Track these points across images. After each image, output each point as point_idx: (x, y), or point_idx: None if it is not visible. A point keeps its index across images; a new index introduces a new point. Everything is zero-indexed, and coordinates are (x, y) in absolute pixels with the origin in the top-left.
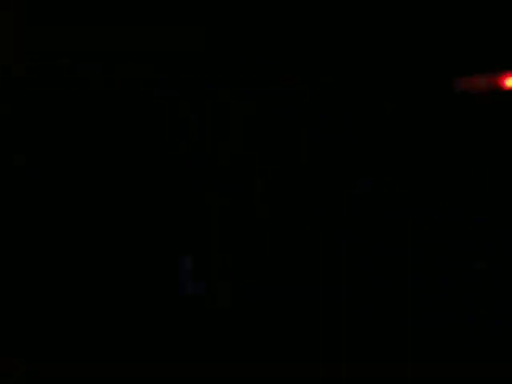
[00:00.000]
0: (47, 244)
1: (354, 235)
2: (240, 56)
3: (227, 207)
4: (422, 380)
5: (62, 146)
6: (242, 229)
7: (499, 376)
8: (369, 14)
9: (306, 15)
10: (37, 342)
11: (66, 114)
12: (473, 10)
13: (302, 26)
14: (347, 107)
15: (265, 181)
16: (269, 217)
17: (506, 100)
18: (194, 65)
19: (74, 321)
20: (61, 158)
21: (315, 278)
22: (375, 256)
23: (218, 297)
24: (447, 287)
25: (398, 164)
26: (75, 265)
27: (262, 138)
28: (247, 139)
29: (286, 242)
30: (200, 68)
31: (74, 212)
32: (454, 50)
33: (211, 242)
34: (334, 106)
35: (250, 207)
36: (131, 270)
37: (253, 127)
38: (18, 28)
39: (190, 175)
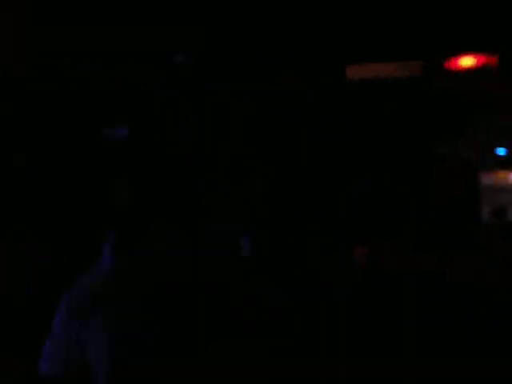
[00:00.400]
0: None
1: (354, 235)
2: (240, 56)
3: (227, 207)
4: (422, 380)
5: (62, 145)
6: (241, 229)
7: (499, 376)
8: None
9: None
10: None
11: (65, 113)
12: None
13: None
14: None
15: (265, 181)
16: (269, 217)
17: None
18: (194, 65)
19: None
20: (61, 158)
21: (315, 278)
22: (375, 255)
23: None
24: (447, 287)
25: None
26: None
27: (262, 138)
28: (247, 139)
29: (286, 241)
30: (200, 68)
31: (73, 213)
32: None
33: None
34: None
35: (250, 207)
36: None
37: (253, 127)
38: (17, 28)
39: (190, 175)
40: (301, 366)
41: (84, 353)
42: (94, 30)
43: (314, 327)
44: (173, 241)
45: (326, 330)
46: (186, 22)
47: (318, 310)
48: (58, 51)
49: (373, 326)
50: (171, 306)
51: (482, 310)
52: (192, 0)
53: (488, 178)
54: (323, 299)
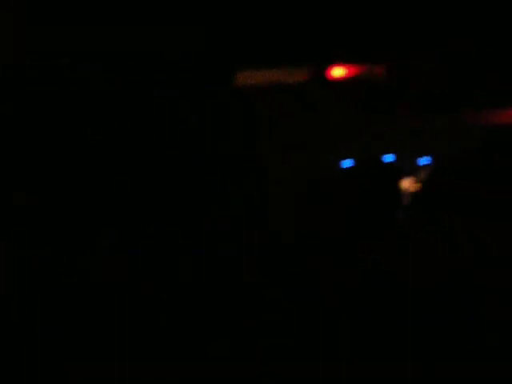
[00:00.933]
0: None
1: (353, 235)
2: (240, 56)
3: (227, 208)
4: (422, 380)
5: (62, 146)
6: (241, 229)
7: (499, 376)
8: None
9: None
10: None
11: (66, 114)
12: None
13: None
14: None
15: (264, 181)
16: (267, 216)
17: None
18: (194, 65)
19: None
20: (60, 158)
21: (315, 278)
22: (374, 256)
23: None
24: (447, 287)
25: None
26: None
27: (262, 138)
28: (247, 139)
29: (285, 241)
30: (200, 68)
31: (72, 216)
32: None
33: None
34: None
35: (248, 207)
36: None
37: (253, 127)
38: (17, 28)
39: (190, 175)
40: (301, 366)
41: None
42: (94, 30)
43: (314, 327)
44: (172, 240)
45: (326, 329)
46: (186, 21)
47: (318, 309)
48: (57, 51)
49: (373, 326)
50: (172, 306)
51: (482, 309)
52: (192, 0)
53: None
54: (324, 299)
